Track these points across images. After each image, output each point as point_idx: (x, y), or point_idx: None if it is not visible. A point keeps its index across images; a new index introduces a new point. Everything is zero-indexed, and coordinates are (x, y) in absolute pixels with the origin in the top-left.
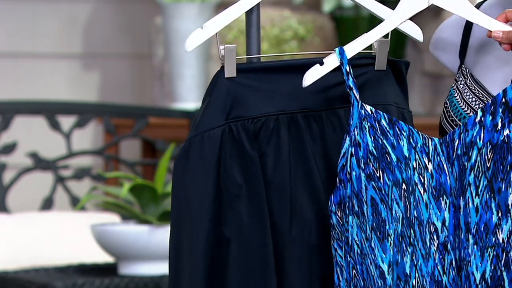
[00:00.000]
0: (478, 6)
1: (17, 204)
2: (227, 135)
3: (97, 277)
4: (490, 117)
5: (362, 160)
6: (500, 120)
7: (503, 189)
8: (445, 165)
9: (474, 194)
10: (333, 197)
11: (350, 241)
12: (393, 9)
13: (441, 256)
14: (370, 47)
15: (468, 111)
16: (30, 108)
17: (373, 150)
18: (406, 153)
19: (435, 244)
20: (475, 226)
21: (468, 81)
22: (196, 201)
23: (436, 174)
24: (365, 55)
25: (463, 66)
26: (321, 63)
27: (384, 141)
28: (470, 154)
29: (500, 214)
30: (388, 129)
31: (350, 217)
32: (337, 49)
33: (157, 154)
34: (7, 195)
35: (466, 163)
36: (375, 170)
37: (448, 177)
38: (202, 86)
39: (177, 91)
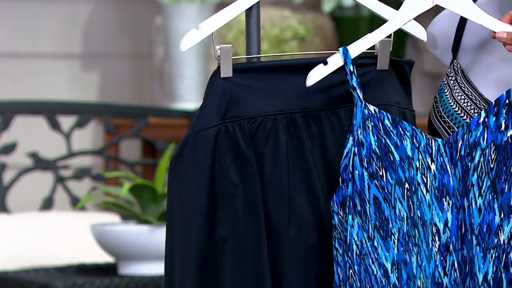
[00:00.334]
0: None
1: (17, 204)
2: (222, 135)
3: (97, 277)
4: (494, 118)
5: (365, 159)
6: (503, 121)
7: (506, 190)
8: (448, 166)
9: (477, 195)
10: (336, 197)
11: (348, 240)
12: (394, 8)
13: (442, 258)
14: (372, 47)
15: (456, 108)
16: (30, 108)
17: (376, 149)
18: (409, 153)
19: (436, 245)
20: (478, 227)
21: (459, 78)
22: (189, 200)
23: (439, 175)
24: (367, 54)
25: (455, 61)
26: (325, 63)
27: (387, 141)
28: (473, 154)
29: (502, 215)
30: (391, 128)
31: (350, 217)
32: (341, 49)
33: (157, 154)
34: (7, 195)
35: (469, 164)
36: (378, 169)
37: (451, 178)
38: (202, 86)
39: (177, 91)
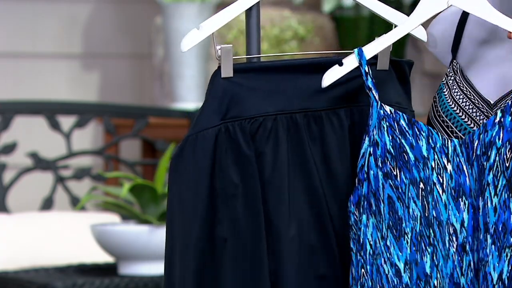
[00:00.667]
0: None
1: (17, 204)
2: (223, 135)
3: (97, 277)
4: (510, 118)
5: (379, 159)
6: None
7: None
8: (464, 166)
9: (492, 194)
10: (352, 197)
11: (362, 240)
12: (394, 7)
13: (459, 258)
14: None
15: (455, 108)
16: (30, 108)
17: (391, 149)
18: (424, 153)
19: (454, 245)
20: (493, 226)
21: (458, 78)
22: (189, 200)
23: (456, 175)
24: None
25: (455, 61)
26: (340, 64)
27: (403, 141)
28: (489, 154)
29: None
30: (407, 129)
31: (364, 216)
32: (356, 50)
33: (157, 154)
34: (7, 195)
35: (485, 163)
36: (392, 169)
37: (467, 178)
38: (202, 86)
39: (177, 91)
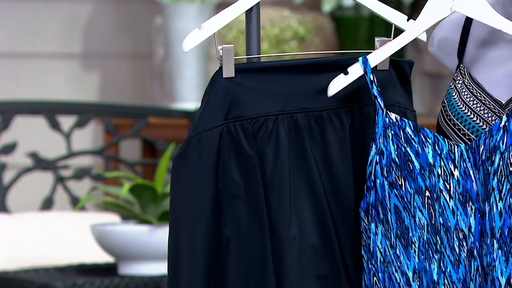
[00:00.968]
0: None
1: (17, 204)
2: (225, 135)
3: (97, 277)
4: None
5: (385, 168)
6: None
7: None
8: (471, 171)
9: (498, 199)
10: (362, 204)
11: (372, 248)
12: (394, 8)
13: (469, 263)
14: (372, 47)
15: (466, 111)
16: (30, 108)
17: (396, 158)
18: (431, 160)
19: (465, 250)
20: (499, 231)
21: (466, 81)
22: (194, 201)
23: (463, 181)
24: (366, 55)
25: (461, 65)
26: (346, 73)
27: (408, 149)
28: (493, 158)
29: None
30: (412, 136)
31: (373, 225)
32: (360, 58)
33: (157, 154)
34: (7, 195)
35: (489, 168)
36: (397, 178)
37: (474, 183)
38: (202, 86)
39: (177, 91)
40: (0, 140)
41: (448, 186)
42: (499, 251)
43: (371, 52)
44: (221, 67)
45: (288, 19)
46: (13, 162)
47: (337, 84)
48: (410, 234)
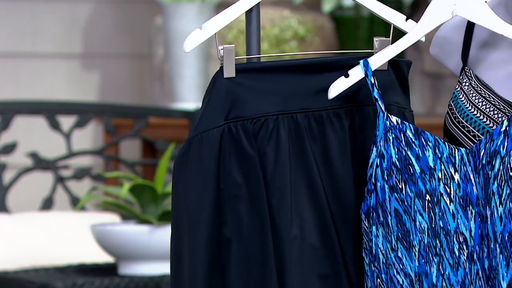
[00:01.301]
0: None
1: (17, 204)
2: (226, 135)
3: (97, 277)
4: None
5: (385, 171)
6: None
7: None
8: (471, 175)
9: (498, 203)
10: (363, 205)
11: (374, 251)
12: (394, 8)
13: (469, 266)
14: (371, 47)
15: (475, 112)
16: (30, 108)
17: (396, 161)
18: (431, 164)
19: (465, 253)
20: (500, 236)
21: (474, 83)
22: (195, 201)
23: (463, 184)
24: (365, 54)
25: (466, 68)
26: (346, 75)
27: (409, 152)
28: (493, 163)
29: None
30: (413, 139)
31: (374, 227)
32: (361, 61)
33: (157, 154)
34: (7, 195)
35: (490, 172)
36: (397, 182)
37: (474, 187)
38: (202, 86)
39: (177, 91)
40: (0, 140)
41: (448, 190)
42: (501, 255)
43: (371, 52)
44: (221, 67)
45: (288, 19)
46: (13, 162)
47: (338, 87)
48: (411, 237)
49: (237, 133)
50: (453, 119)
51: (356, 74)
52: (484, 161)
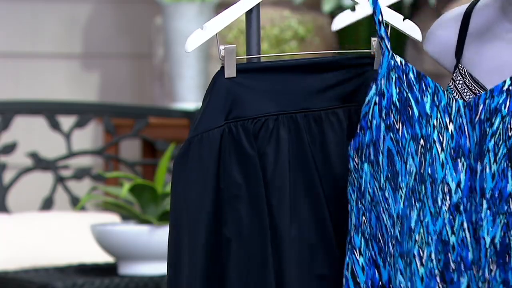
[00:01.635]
0: (472, 5)
1: (17, 204)
2: (226, 135)
3: (97, 277)
4: None
5: (384, 110)
6: None
7: None
8: (466, 128)
9: (492, 161)
10: (353, 142)
11: (363, 188)
12: (395, 8)
13: (451, 217)
14: (369, 47)
15: None
16: (30, 108)
17: (397, 101)
18: (428, 110)
19: (447, 204)
20: (490, 192)
21: (467, 81)
22: (195, 201)
23: (457, 136)
24: (364, 54)
25: (460, 65)
26: (353, 9)
27: (409, 94)
28: (493, 120)
29: None
30: (414, 83)
31: (365, 164)
32: None
33: (157, 154)
34: (7, 195)
35: (488, 129)
36: (395, 122)
37: (468, 140)
38: (202, 86)
39: (177, 91)
40: (0, 140)
41: (441, 139)
42: (488, 211)
43: (368, 51)
44: (222, 67)
45: (288, 19)
46: (13, 162)
47: (343, 20)
48: (399, 179)
49: (237, 133)
50: None
51: (364, 9)
52: (482, 117)
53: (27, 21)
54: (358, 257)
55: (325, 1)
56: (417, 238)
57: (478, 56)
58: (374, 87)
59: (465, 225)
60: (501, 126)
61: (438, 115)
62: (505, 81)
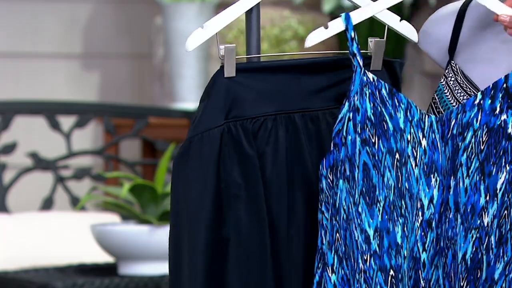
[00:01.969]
0: (467, 3)
1: (17, 204)
2: (226, 135)
3: (97, 277)
4: (490, 101)
5: (359, 125)
6: (499, 105)
7: (493, 173)
8: (439, 143)
9: (465, 175)
10: (325, 161)
11: (337, 205)
12: (395, 8)
13: (423, 233)
14: (366, 47)
15: None
16: (30, 108)
17: (371, 116)
18: (401, 125)
19: (419, 220)
20: (463, 207)
21: (459, 78)
22: (195, 200)
23: (429, 151)
24: (365, 55)
25: (453, 62)
26: (326, 27)
27: (383, 110)
28: (465, 134)
29: (488, 197)
30: (387, 98)
31: (341, 181)
32: (343, 14)
33: (157, 154)
34: (7, 195)
35: (460, 143)
36: (371, 136)
37: (440, 156)
38: (202, 86)
39: (177, 91)
40: (0, 140)
41: (415, 154)
42: (461, 226)
43: (364, 52)
44: (222, 67)
45: (288, 19)
46: (13, 162)
47: (317, 36)
48: (377, 192)
49: (237, 133)
50: (436, 113)
51: (337, 26)
52: (455, 131)
53: (27, 21)
54: (330, 275)
55: (325, 1)
56: (405, 254)
57: (471, 54)
58: (347, 104)
59: (435, 242)
60: (473, 140)
61: (412, 130)
62: (476, 95)
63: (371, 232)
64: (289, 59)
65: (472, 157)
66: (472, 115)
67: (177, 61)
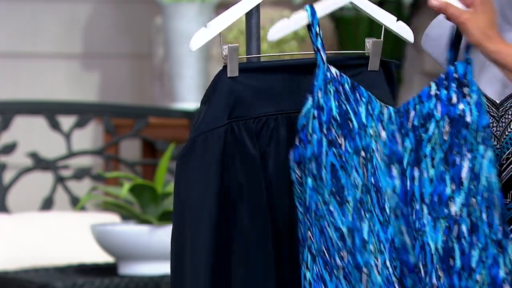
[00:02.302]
0: None
1: (17, 204)
2: (229, 135)
3: (97, 277)
4: (445, 91)
5: (325, 125)
6: (455, 95)
7: (457, 162)
8: (397, 135)
9: (429, 166)
10: (292, 154)
11: (307, 202)
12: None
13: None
14: (363, 47)
15: None
16: (30, 108)
17: (337, 115)
18: (364, 120)
19: (387, 210)
20: (429, 197)
21: None
22: (198, 200)
23: (389, 143)
24: (359, 55)
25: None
26: (288, 17)
27: (348, 106)
28: (427, 126)
29: (453, 187)
30: (350, 93)
31: (309, 179)
32: (308, 8)
33: (157, 154)
34: (7, 195)
35: (423, 135)
36: (337, 137)
37: (399, 146)
38: (202, 86)
39: (177, 91)
40: (0, 140)
41: (378, 147)
42: (428, 216)
43: (362, 52)
44: (224, 67)
45: None
46: (13, 162)
47: (280, 30)
48: (346, 192)
49: (240, 133)
50: None
51: (301, 20)
52: (416, 123)
53: (27, 21)
54: (305, 272)
55: None
56: (371, 248)
57: (474, 56)
58: (310, 99)
59: (403, 229)
60: (436, 131)
61: (373, 124)
62: (430, 86)
63: (345, 229)
64: (289, 59)
65: (436, 148)
66: (432, 106)
67: (177, 61)
